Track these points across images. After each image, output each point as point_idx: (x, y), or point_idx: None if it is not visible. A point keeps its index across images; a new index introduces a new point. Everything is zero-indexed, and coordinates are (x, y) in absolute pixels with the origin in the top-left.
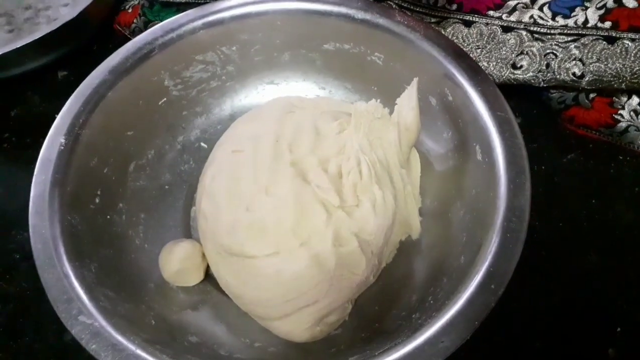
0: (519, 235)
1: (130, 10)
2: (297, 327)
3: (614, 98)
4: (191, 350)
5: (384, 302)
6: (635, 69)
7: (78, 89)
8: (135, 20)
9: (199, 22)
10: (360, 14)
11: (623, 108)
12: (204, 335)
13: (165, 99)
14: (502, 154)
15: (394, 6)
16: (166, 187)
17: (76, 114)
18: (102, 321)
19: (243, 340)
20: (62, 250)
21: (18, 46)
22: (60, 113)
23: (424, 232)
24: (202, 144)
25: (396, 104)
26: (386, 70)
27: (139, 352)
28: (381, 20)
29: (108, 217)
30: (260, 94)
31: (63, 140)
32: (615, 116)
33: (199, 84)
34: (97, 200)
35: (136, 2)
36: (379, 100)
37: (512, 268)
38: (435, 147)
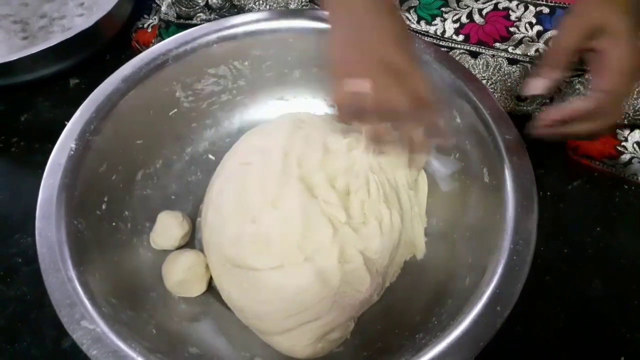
0: (526, 258)
1: (149, 30)
2: (299, 342)
3: (617, 130)
4: None
5: (387, 321)
6: (638, 106)
7: (91, 95)
8: (153, 41)
9: (213, 36)
10: None
11: (626, 140)
12: (204, 347)
13: (175, 110)
14: (510, 177)
15: None
16: (172, 197)
17: (88, 120)
18: (104, 327)
19: (243, 354)
20: (67, 254)
21: (32, 52)
22: (72, 118)
23: (429, 252)
24: (210, 156)
25: None
26: None
27: (140, 359)
28: None
29: (113, 224)
30: (270, 110)
31: (74, 145)
32: (619, 148)
33: (210, 96)
34: (103, 207)
35: (155, 22)
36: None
37: (518, 290)
38: (442, 168)
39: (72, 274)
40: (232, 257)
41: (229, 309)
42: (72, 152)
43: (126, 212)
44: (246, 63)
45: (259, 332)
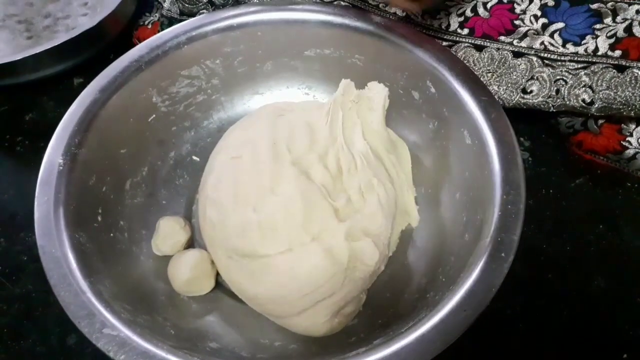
0: (519, 205)
1: (150, 27)
2: (316, 321)
3: (622, 125)
4: (215, 354)
5: (394, 288)
6: None
7: (69, 109)
8: None
9: (183, 38)
10: (338, 19)
11: (631, 135)
12: (223, 341)
13: (154, 115)
14: (491, 134)
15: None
16: (163, 202)
17: (71, 133)
18: (127, 332)
19: (262, 342)
20: (74, 267)
21: (36, 52)
22: (55, 134)
23: (423, 219)
24: (194, 157)
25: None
26: (367, 70)
27: (170, 356)
28: (359, 24)
29: (111, 235)
30: (247, 105)
31: (61, 160)
32: (624, 143)
33: (186, 98)
34: (99, 219)
35: (156, 19)
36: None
37: (518, 237)
38: (422, 139)
39: (84, 286)
40: (240, 247)
41: (239, 301)
42: (61, 167)
43: (121, 222)
44: (218, 61)
45: (275, 317)
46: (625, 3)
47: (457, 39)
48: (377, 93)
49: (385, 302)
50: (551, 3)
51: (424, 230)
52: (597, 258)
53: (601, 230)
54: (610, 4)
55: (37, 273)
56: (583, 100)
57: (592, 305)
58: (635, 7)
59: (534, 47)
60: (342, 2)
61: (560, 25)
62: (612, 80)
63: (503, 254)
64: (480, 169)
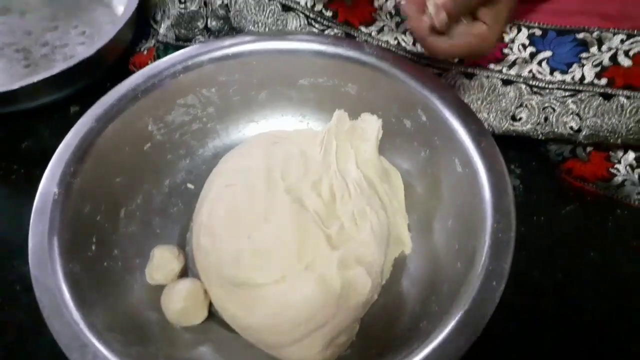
0: (510, 234)
1: (145, 53)
2: (309, 351)
3: (610, 152)
4: None
5: (388, 317)
6: (631, 125)
7: (65, 138)
8: (149, 62)
9: (179, 67)
10: (331, 49)
11: (619, 162)
12: None
13: (149, 143)
14: (482, 162)
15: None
16: (157, 231)
17: (67, 162)
18: None
19: None
20: (67, 298)
21: (34, 81)
22: (50, 162)
23: (415, 246)
24: (189, 185)
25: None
26: (360, 99)
27: None
28: (351, 53)
29: (105, 264)
30: (241, 133)
31: (56, 190)
32: (612, 170)
33: (181, 127)
34: (93, 248)
35: (152, 45)
36: (342, 109)
37: (509, 265)
38: (414, 167)
39: (77, 316)
40: (233, 276)
41: (232, 331)
42: (56, 197)
43: (115, 251)
44: (213, 90)
45: (268, 347)
46: (610, 32)
47: (448, 66)
48: (371, 124)
49: (378, 332)
50: (538, 32)
51: (417, 258)
52: (589, 285)
53: (592, 257)
54: (595, 33)
55: (31, 303)
56: (571, 128)
57: (585, 331)
58: (620, 36)
59: (522, 75)
60: (334, 31)
61: (548, 53)
62: (599, 108)
63: (494, 283)
64: (471, 197)
